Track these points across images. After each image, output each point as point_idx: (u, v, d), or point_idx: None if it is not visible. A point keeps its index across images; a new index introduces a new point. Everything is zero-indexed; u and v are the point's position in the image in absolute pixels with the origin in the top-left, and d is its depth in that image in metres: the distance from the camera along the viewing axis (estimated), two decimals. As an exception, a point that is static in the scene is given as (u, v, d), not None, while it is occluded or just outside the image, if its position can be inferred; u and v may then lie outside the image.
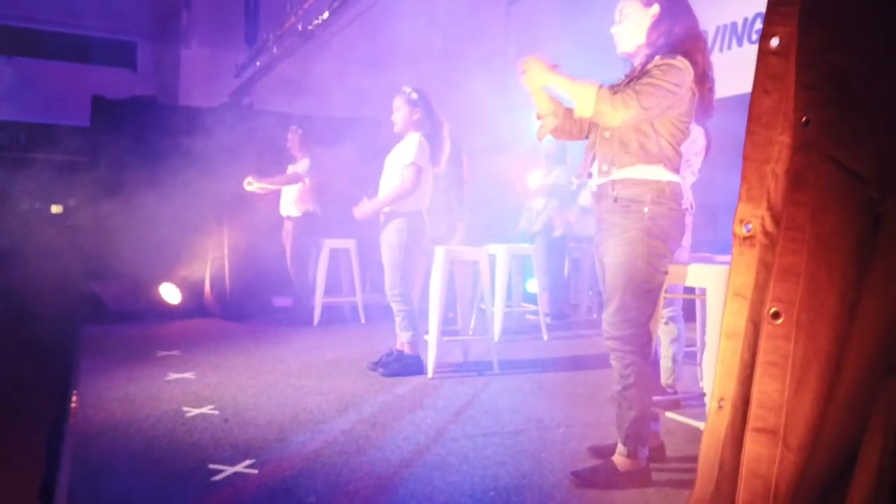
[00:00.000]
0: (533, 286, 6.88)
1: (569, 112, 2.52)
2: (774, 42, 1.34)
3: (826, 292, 1.16)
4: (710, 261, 3.42)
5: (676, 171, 2.34)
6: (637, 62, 2.46)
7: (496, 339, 4.24)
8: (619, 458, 2.39)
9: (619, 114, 2.20)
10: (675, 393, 3.49)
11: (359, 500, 2.21)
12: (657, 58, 2.31)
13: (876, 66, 1.18)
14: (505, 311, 5.51)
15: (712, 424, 1.35)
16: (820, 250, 1.18)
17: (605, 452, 2.61)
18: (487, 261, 4.27)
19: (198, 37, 9.91)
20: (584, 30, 8.34)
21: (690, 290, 3.37)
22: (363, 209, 4.16)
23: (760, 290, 1.32)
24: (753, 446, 1.21)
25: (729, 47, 6.69)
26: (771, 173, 1.32)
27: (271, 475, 2.41)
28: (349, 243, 6.20)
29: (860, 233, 1.15)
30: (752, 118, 1.36)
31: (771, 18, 1.36)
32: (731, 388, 1.34)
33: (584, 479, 2.35)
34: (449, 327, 4.63)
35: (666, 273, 2.38)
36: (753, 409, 1.22)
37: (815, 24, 1.27)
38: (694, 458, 2.65)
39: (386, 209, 4.09)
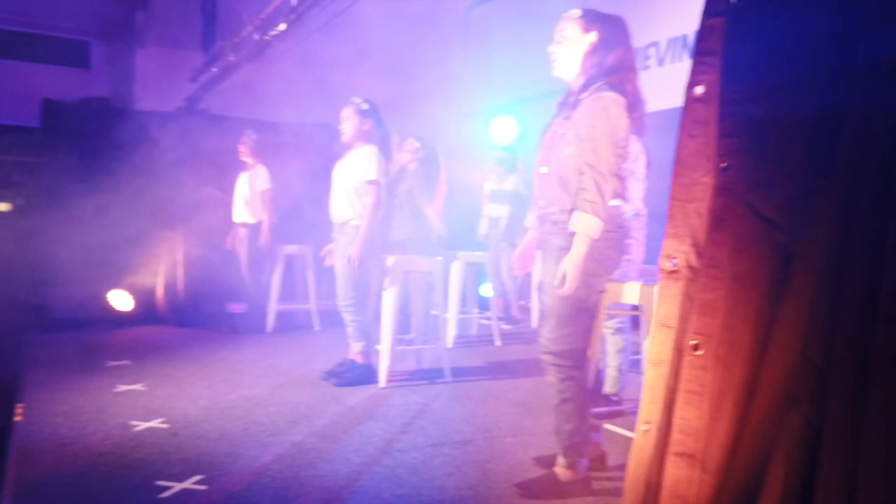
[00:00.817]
0: (487, 291, 6.97)
1: None
2: (699, 90, 1.42)
3: (742, 327, 1.25)
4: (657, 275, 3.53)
5: (616, 194, 2.42)
6: (573, 89, 2.53)
7: (449, 345, 4.30)
8: (560, 470, 2.47)
9: (607, 198, 2.31)
10: (620, 402, 3.59)
11: (307, 515, 2.24)
12: (592, 92, 2.38)
13: (788, 118, 1.27)
14: (459, 317, 5.57)
15: (639, 446, 1.43)
16: (736, 288, 1.26)
17: (549, 462, 2.68)
18: (441, 272, 4.33)
19: (154, 37, 9.74)
20: (539, 37, 8.49)
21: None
22: (355, 253, 4.03)
23: (685, 320, 1.40)
24: (673, 469, 1.29)
25: (680, 59, 6.85)
26: (695, 212, 1.41)
27: (221, 491, 2.43)
28: (305, 250, 6.20)
29: (772, 272, 1.24)
30: (678, 160, 1.44)
31: (696, 68, 1.44)
32: (656, 412, 1.42)
33: (527, 491, 2.43)
34: (402, 335, 4.67)
35: (602, 292, 2.47)
36: (674, 435, 1.30)
37: (735, 76, 1.36)
38: (635, 468, 2.76)
39: (343, 220, 4.10)
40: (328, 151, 7.89)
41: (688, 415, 1.28)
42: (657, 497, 1.41)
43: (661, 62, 6.87)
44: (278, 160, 6.29)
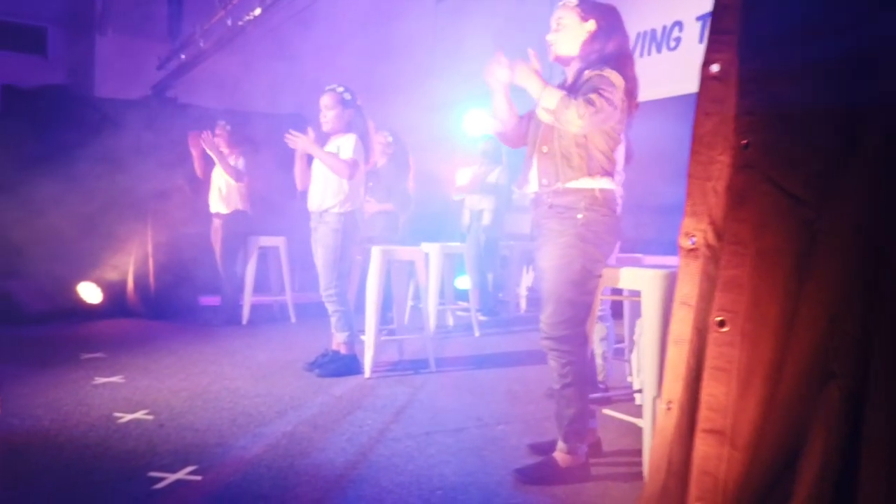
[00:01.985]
0: (462, 283, 6.98)
1: (516, 120, 2.61)
2: (715, 68, 1.43)
3: (768, 303, 1.26)
4: (639, 262, 3.57)
5: (611, 177, 2.44)
6: (570, 73, 2.56)
7: (428, 337, 4.30)
8: (560, 455, 2.48)
9: (579, 121, 2.27)
10: (606, 389, 3.63)
11: (307, 503, 2.22)
12: (594, 71, 2.40)
13: (812, 92, 1.29)
14: (438, 308, 5.57)
15: (661, 426, 1.44)
16: (761, 264, 1.28)
17: (544, 449, 2.70)
18: (424, 261, 4.32)
19: (114, 24, 9.49)
20: (510, 28, 8.50)
21: (618, 291, 3.52)
22: (304, 141, 4.01)
23: (704, 299, 1.41)
24: (703, 446, 1.30)
25: (649, 53, 6.93)
26: (712, 190, 1.42)
27: (216, 481, 2.39)
28: (279, 241, 6.13)
29: (798, 248, 1.25)
30: (695, 139, 1.45)
31: (711, 45, 1.45)
32: (678, 391, 1.43)
33: (527, 476, 2.43)
34: (385, 326, 4.65)
35: (600, 276, 2.49)
36: (702, 412, 1.31)
37: (753, 52, 1.37)
38: (629, 452, 2.79)
39: (323, 207, 4.05)
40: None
41: (715, 391, 1.29)
42: (682, 475, 1.42)
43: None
44: (250, 150, 6.19)
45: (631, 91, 2.43)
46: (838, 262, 1.20)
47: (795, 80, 1.30)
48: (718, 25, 1.46)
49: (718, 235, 1.40)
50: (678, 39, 6.55)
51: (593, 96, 2.28)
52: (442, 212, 7.60)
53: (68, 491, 2.27)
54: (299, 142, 4.03)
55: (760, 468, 1.24)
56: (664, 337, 2.30)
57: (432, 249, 5.39)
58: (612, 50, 2.45)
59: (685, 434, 1.43)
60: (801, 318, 1.24)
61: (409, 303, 5.72)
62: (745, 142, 1.35)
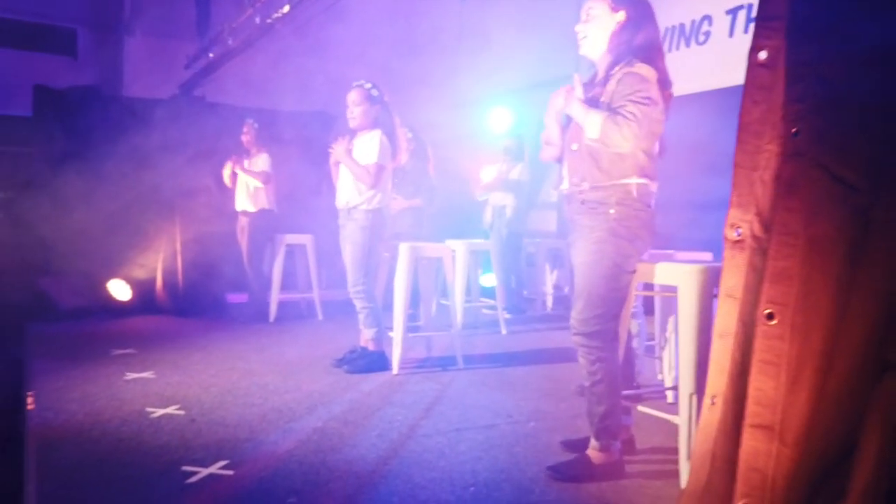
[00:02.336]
0: (487, 281, 6.95)
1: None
2: (762, 55, 1.40)
3: (819, 294, 1.23)
4: (671, 258, 3.51)
5: (646, 174, 2.40)
6: (600, 67, 2.52)
7: (456, 334, 4.27)
8: (593, 452, 2.45)
9: (626, 143, 2.28)
10: (638, 386, 3.58)
11: (340, 498, 2.21)
12: (624, 66, 2.37)
13: (864, 78, 1.25)
14: (464, 305, 5.55)
15: (705, 421, 1.41)
16: (813, 254, 1.24)
17: (576, 446, 2.67)
18: (451, 257, 4.30)
19: (142, 25, 9.61)
20: (535, 25, 8.45)
21: (649, 286, 3.47)
22: (337, 151, 4.10)
23: (750, 291, 1.38)
24: (751, 441, 1.27)
25: (677, 48, 6.85)
26: (759, 180, 1.38)
27: (248, 476, 2.39)
28: (306, 239, 6.15)
29: (851, 237, 1.21)
30: (741, 127, 1.42)
31: (759, 32, 1.42)
32: (722, 385, 1.40)
33: (560, 474, 2.40)
34: (411, 323, 4.64)
35: (633, 272, 2.45)
36: (750, 406, 1.27)
37: (804, 38, 1.33)
38: (663, 449, 2.75)
39: (351, 205, 4.06)
40: (326, 141, 7.86)
41: (764, 386, 1.26)
42: (725, 471, 1.39)
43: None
44: (277, 149, 6.22)
45: (663, 82, 2.39)
46: (894, 250, 1.16)
47: (849, 66, 1.26)
48: (766, 12, 1.42)
49: (765, 226, 1.37)
50: (707, 34, 6.46)
51: (630, 109, 2.26)
52: (465, 209, 7.59)
53: (103, 484, 2.29)
54: (335, 152, 4.09)
55: (811, 464, 1.20)
56: (701, 333, 2.26)
57: (458, 247, 5.37)
58: (642, 42, 2.41)
59: (730, 429, 1.40)
60: (853, 309, 1.20)
61: (441, 301, 5.70)
62: (794, 129, 1.31)
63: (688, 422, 2.26)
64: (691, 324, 2.27)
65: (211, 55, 6.48)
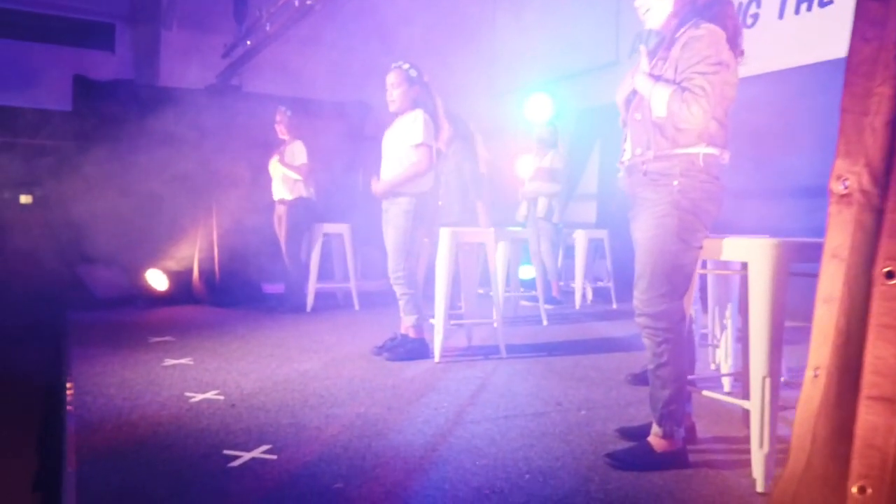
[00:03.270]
0: (526, 272, 6.81)
1: None
2: (873, -15, 1.25)
3: (949, 248, 1.08)
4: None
5: (715, 143, 2.25)
6: (667, 33, 2.36)
7: (499, 323, 4.14)
8: (655, 440, 2.31)
9: (696, 119, 2.13)
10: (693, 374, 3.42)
11: (389, 484, 2.10)
12: (689, 28, 2.22)
13: None
14: (504, 295, 5.41)
15: (807, 395, 1.26)
16: (940, 203, 1.09)
17: (634, 434, 2.53)
18: (495, 242, 4.17)
19: (179, 19, 9.64)
20: (569, 14, 8.28)
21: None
22: (380, 187, 3.97)
23: (857, 251, 1.23)
24: (868, 416, 1.12)
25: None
26: (869, 127, 1.23)
27: (291, 460, 2.29)
28: (343, 228, 6.07)
29: None
30: (849, 68, 1.27)
31: (869, -41, 1.26)
32: (825, 355, 1.25)
33: (620, 461, 2.26)
34: (452, 311, 4.52)
35: (700, 248, 2.30)
36: (867, 377, 1.13)
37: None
38: (726, 439, 2.60)
39: (395, 189, 3.95)
40: (363, 130, 7.78)
41: (883, 353, 1.11)
42: (825, 452, 1.25)
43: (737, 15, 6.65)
44: (314, 137, 6.15)
45: (733, 40, 2.23)
46: None
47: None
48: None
49: (874, 179, 1.22)
50: (756, 16, 6.22)
51: (698, 82, 2.11)
52: (501, 201, 7.45)
53: (144, 466, 2.21)
54: (377, 191, 4.01)
55: (943, 441, 1.06)
56: (774, 311, 2.10)
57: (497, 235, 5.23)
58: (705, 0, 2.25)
59: (833, 404, 1.25)
60: None
61: (483, 291, 5.57)
62: (912, 66, 1.16)
63: (760, 406, 2.11)
64: (764, 302, 2.11)
65: (248, 42, 6.42)
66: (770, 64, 5.78)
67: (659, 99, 2.18)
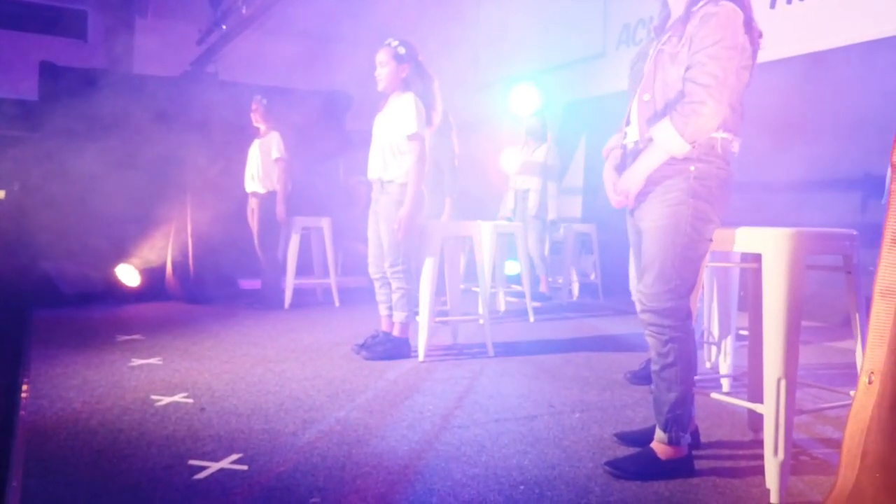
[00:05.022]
0: (512, 268, 6.62)
1: None
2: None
3: None
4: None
5: (728, 128, 2.07)
6: (678, 5, 2.18)
7: (486, 320, 3.96)
8: (660, 446, 2.13)
9: (713, 119, 1.97)
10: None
11: (370, 497, 1.90)
12: (708, 3, 2.03)
13: None
14: (490, 291, 5.23)
15: (860, 404, 1.09)
16: None
17: (634, 439, 2.36)
18: (481, 236, 3.98)
19: (154, 7, 9.35)
20: (556, 3, 8.10)
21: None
22: (405, 217, 3.65)
23: (918, 237, 1.05)
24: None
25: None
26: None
27: (264, 471, 2.08)
28: (323, 222, 5.85)
29: None
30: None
31: None
32: (882, 358, 1.07)
33: (622, 470, 2.09)
34: (436, 307, 4.33)
35: (710, 241, 2.13)
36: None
37: None
38: (731, 444, 2.43)
39: (385, 178, 3.73)
40: (344, 120, 7.55)
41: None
42: (878, 468, 1.07)
43: None
44: (293, 128, 5.92)
45: (750, 21, 2.04)
46: None
47: None
48: None
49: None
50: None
51: (709, 67, 1.94)
52: (484, 195, 7.27)
53: (99, 480, 1.99)
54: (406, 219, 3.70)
55: None
56: (790, 308, 1.93)
57: (484, 228, 5.05)
58: None
59: (887, 415, 1.07)
60: None
61: (472, 288, 5.37)
62: None
63: (776, 410, 1.93)
64: (780, 297, 1.94)
65: (224, 27, 6.16)
66: (762, 54, 5.64)
67: (668, 141, 2.00)
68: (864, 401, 1.08)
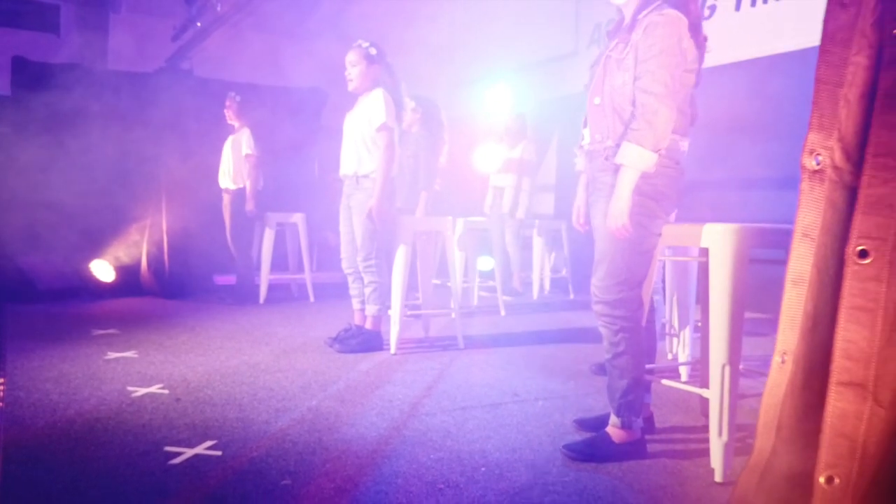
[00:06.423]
0: (485, 263, 6.74)
1: None
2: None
3: (925, 226, 1.02)
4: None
5: (675, 129, 2.19)
6: (627, 12, 2.30)
7: (457, 314, 4.06)
8: (614, 430, 2.25)
9: (669, 124, 2.08)
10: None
11: (339, 479, 2.00)
12: (652, 12, 2.15)
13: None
14: (462, 286, 5.34)
15: (774, 381, 1.20)
16: (916, 179, 1.04)
17: (591, 425, 2.48)
18: (452, 232, 4.09)
19: (128, 2, 9.30)
20: (528, 3, 8.22)
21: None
22: (374, 207, 3.72)
23: (827, 232, 1.18)
24: (838, 403, 1.07)
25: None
26: (843, 99, 1.17)
27: (237, 457, 2.17)
28: (297, 217, 5.91)
29: (965, 157, 1.01)
30: (825, 36, 1.20)
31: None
32: (793, 340, 1.19)
33: (578, 453, 2.20)
34: (408, 302, 4.43)
35: (659, 235, 2.25)
36: (837, 361, 1.07)
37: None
38: (684, 428, 2.56)
39: (361, 173, 3.81)
40: (319, 117, 7.60)
41: (855, 336, 1.06)
42: (791, 441, 1.19)
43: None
44: (265, 124, 5.97)
45: (695, 26, 2.17)
46: None
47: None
48: None
49: (847, 155, 1.16)
50: (713, 8, 6.24)
51: (659, 75, 2.05)
52: (463, 190, 7.37)
53: (77, 465, 2.07)
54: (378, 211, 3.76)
55: (916, 428, 1.01)
56: (734, 298, 2.06)
57: (456, 225, 5.16)
58: None
59: (801, 391, 1.20)
60: (969, 243, 1.00)
61: (443, 283, 5.47)
62: (896, 31, 1.10)
63: (720, 394, 2.07)
64: (724, 288, 2.07)
65: (199, 24, 6.19)
66: (723, 56, 5.79)
67: (635, 158, 2.08)
68: (777, 378, 1.20)
